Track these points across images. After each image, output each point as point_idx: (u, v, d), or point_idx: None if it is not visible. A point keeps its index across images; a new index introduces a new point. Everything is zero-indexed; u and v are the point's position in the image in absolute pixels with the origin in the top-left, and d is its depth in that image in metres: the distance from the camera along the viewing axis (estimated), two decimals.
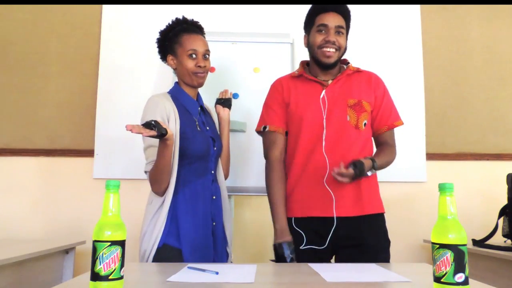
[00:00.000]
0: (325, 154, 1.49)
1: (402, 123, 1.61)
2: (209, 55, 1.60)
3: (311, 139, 1.52)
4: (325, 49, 1.52)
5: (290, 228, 1.52)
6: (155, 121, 1.27)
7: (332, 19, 1.53)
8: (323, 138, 1.50)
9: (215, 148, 1.59)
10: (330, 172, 1.45)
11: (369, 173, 1.45)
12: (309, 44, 1.59)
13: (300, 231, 1.49)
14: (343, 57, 1.63)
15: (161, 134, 1.28)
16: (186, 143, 1.49)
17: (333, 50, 1.52)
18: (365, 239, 1.47)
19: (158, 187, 1.45)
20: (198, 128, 1.56)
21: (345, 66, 1.63)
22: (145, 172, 1.47)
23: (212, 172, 1.59)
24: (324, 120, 1.52)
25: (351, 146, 1.50)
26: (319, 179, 1.48)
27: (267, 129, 1.60)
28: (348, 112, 1.52)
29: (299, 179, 1.53)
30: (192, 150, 1.50)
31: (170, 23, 1.62)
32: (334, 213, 1.46)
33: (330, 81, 1.57)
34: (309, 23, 1.59)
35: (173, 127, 1.47)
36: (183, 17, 1.63)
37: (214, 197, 1.57)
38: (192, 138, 1.51)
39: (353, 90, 1.56)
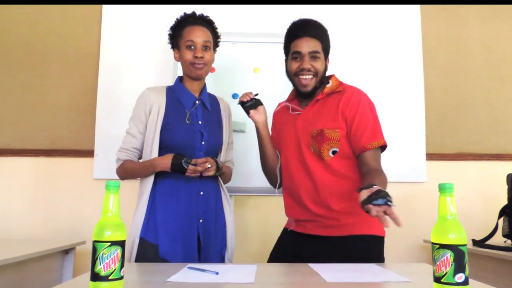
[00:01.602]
0: (296, 184, 1.53)
1: (381, 144, 1.45)
2: (210, 47, 1.59)
3: (286, 167, 1.58)
4: (301, 76, 1.51)
5: (284, 236, 1.61)
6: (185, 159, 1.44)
7: (305, 45, 1.49)
8: (293, 168, 1.55)
9: (203, 143, 1.55)
10: (302, 200, 1.51)
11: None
12: (287, 71, 1.58)
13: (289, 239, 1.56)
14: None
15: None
16: (167, 134, 1.52)
17: (310, 76, 1.50)
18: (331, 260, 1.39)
19: (121, 178, 1.58)
20: (187, 121, 1.55)
21: (328, 84, 1.56)
22: (117, 157, 1.57)
23: None
24: (293, 150, 1.55)
25: (318, 175, 1.48)
26: (298, 204, 1.53)
27: None
28: (311, 143, 1.50)
29: (287, 201, 1.61)
30: (172, 141, 1.51)
31: (178, 18, 1.63)
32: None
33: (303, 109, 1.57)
34: (286, 50, 1.58)
35: (154, 118, 1.53)
36: (193, 12, 1.63)
37: (201, 193, 1.54)
38: (173, 129, 1.52)
39: (320, 118, 1.50)
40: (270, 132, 1.68)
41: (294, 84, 1.57)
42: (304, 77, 1.50)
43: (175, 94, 1.60)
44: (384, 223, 1.06)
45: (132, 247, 1.45)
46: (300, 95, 1.58)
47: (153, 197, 1.51)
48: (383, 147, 1.48)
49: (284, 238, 1.59)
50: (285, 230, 1.61)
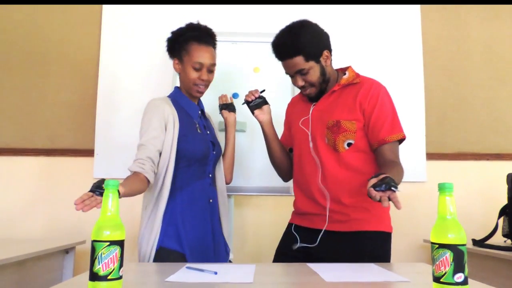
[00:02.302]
0: (307, 177, 1.51)
1: (401, 137, 1.44)
2: (214, 68, 1.59)
3: (299, 161, 1.57)
4: (302, 92, 1.55)
5: (289, 231, 1.57)
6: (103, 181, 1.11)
7: (288, 67, 1.49)
8: (313, 160, 1.51)
9: (214, 152, 1.60)
10: (312, 193, 1.49)
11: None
12: None
13: (296, 234, 1.52)
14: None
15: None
16: (186, 145, 1.50)
17: (308, 90, 1.52)
18: (341, 257, 1.39)
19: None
20: (199, 131, 1.56)
21: (344, 75, 1.55)
22: (129, 169, 1.42)
23: (210, 175, 1.59)
24: (310, 142, 1.52)
25: (331, 168, 1.46)
26: (308, 198, 1.52)
27: None
28: (326, 134, 1.48)
29: (297, 195, 1.59)
30: (191, 152, 1.51)
31: (184, 26, 1.59)
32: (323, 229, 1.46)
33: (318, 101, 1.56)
34: None
35: (171, 131, 1.48)
36: (197, 23, 1.60)
37: (211, 201, 1.57)
38: (192, 141, 1.51)
39: (336, 109, 1.48)
40: (283, 126, 1.71)
41: None
42: (303, 92, 1.54)
43: (181, 105, 1.58)
44: (383, 203, 1.08)
45: (150, 256, 1.42)
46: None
47: (172, 207, 1.48)
48: (400, 140, 1.46)
49: (290, 234, 1.56)
50: (290, 225, 1.60)
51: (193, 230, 1.48)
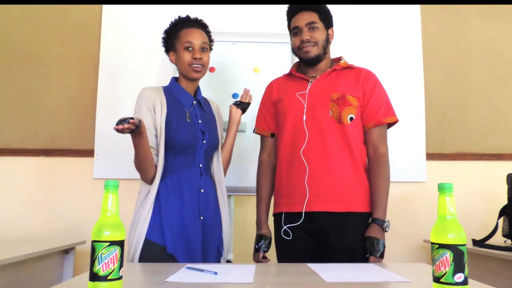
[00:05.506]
0: (305, 150, 1.50)
1: (396, 120, 1.56)
2: (207, 48, 1.62)
3: (293, 135, 1.55)
4: (303, 49, 1.56)
5: (279, 225, 1.55)
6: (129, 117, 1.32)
7: (301, 19, 1.56)
8: (305, 133, 1.51)
9: (204, 141, 1.58)
10: (309, 168, 1.49)
11: (387, 229, 1.46)
12: (292, 49, 1.64)
13: (288, 230, 1.52)
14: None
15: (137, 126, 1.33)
16: (171, 133, 1.51)
17: (309, 47, 1.55)
18: (333, 238, 1.46)
19: (143, 176, 1.50)
20: (188, 120, 1.56)
21: (341, 61, 1.64)
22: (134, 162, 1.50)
23: (201, 165, 1.57)
24: (304, 115, 1.53)
25: (333, 140, 1.50)
26: (300, 175, 1.50)
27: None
28: (330, 107, 1.52)
29: (285, 175, 1.56)
30: (175, 139, 1.52)
31: (173, 21, 1.65)
32: (304, 208, 1.48)
33: (318, 77, 1.59)
34: (288, 29, 1.65)
35: (158, 116, 1.51)
36: (187, 16, 1.66)
37: (202, 190, 1.55)
38: (176, 128, 1.52)
39: (339, 84, 1.55)
40: (260, 111, 1.72)
41: (298, 57, 1.62)
42: (305, 48, 1.56)
43: (173, 94, 1.61)
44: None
45: (136, 247, 1.44)
46: (306, 64, 1.61)
47: (157, 196, 1.50)
48: (391, 124, 1.59)
49: (281, 227, 1.54)
50: (278, 217, 1.57)
51: (179, 220, 1.48)
